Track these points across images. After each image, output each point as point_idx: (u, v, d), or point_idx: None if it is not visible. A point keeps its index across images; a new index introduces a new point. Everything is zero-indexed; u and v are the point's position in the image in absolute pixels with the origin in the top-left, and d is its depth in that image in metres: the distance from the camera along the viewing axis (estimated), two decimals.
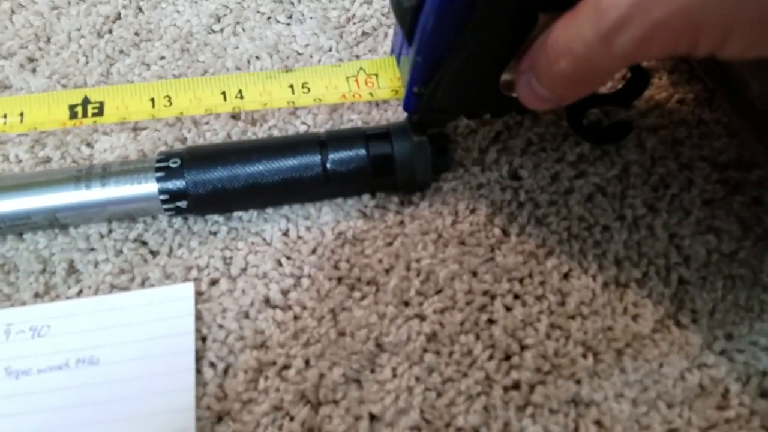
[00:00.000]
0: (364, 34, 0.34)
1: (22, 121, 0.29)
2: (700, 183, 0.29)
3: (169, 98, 0.29)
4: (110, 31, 0.34)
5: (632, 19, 0.18)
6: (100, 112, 0.29)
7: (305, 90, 0.30)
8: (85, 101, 0.29)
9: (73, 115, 0.29)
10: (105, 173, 0.28)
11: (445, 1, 0.22)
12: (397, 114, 0.32)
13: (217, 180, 0.28)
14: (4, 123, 0.29)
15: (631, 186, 0.30)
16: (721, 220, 0.29)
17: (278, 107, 0.30)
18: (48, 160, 0.31)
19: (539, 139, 0.31)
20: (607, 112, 0.31)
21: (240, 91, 0.30)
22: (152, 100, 0.29)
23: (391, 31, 0.34)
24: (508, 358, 0.26)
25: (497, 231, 0.29)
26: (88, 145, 0.31)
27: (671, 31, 0.18)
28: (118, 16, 0.35)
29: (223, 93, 0.30)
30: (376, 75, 0.30)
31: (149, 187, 0.28)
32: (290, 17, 0.34)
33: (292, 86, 0.30)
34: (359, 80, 0.30)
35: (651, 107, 0.31)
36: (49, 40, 0.34)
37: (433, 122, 0.29)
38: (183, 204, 0.28)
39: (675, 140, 0.30)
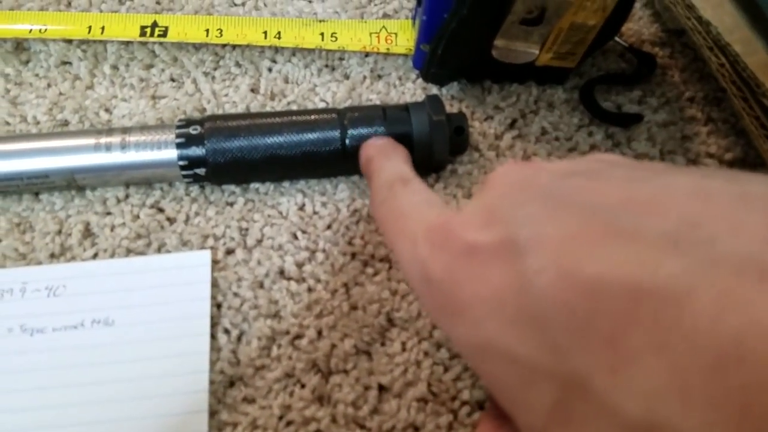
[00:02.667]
0: (385, 15, 0.33)
1: (102, 33, 0.31)
2: None
3: (221, 31, 0.31)
4: None
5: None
6: (164, 34, 0.31)
7: (333, 39, 0.32)
8: (154, 24, 0.31)
9: (143, 34, 0.31)
10: (125, 137, 0.27)
11: None
12: (415, 96, 0.31)
13: (237, 149, 0.27)
14: (89, 32, 0.31)
15: None
16: None
17: (309, 48, 0.32)
18: (66, 123, 0.30)
19: (553, 127, 0.31)
20: (620, 106, 0.31)
21: (279, 32, 0.32)
22: (207, 30, 0.31)
23: (411, 14, 0.33)
24: None
25: None
26: (107, 110, 0.30)
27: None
28: None
29: (265, 32, 0.31)
30: (396, 34, 0.32)
31: (169, 152, 0.27)
32: None
33: (322, 34, 0.32)
34: (380, 36, 0.32)
35: (662, 103, 0.31)
36: (69, 4, 0.33)
37: (437, 79, 0.31)
38: (201, 171, 0.27)
39: (684, 136, 0.31)
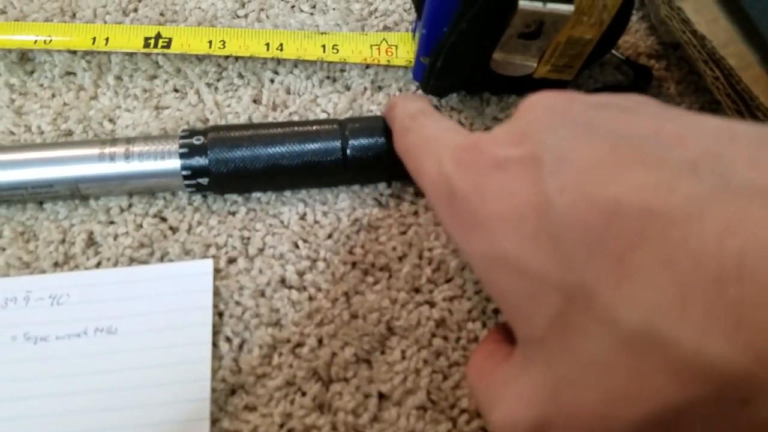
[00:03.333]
0: (385, 28, 0.34)
1: (107, 43, 0.31)
2: None
3: (224, 42, 0.31)
4: (135, 10, 0.34)
5: None
6: (168, 45, 0.31)
7: (334, 50, 0.32)
8: (158, 35, 0.32)
9: (147, 45, 0.31)
10: (129, 147, 0.27)
11: None
12: None
13: (239, 159, 0.27)
14: (93, 43, 0.31)
15: None
16: None
17: (310, 60, 0.32)
18: (70, 133, 0.30)
19: None
20: None
21: (281, 44, 0.32)
22: (210, 42, 0.31)
23: (411, 26, 0.34)
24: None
25: None
26: (111, 120, 0.31)
27: None
28: None
29: (267, 44, 0.32)
30: (396, 46, 0.32)
31: (172, 162, 0.27)
32: (314, 7, 0.34)
33: (324, 46, 0.32)
34: (381, 49, 0.32)
35: None
36: (74, 15, 0.34)
37: (437, 90, 0.32)
38: (204, 181, 0.28)
39: None
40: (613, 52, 0.31)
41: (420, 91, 0.32)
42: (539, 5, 0.25)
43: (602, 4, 0.26)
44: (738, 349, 0.11)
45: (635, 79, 0.32)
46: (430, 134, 0.21)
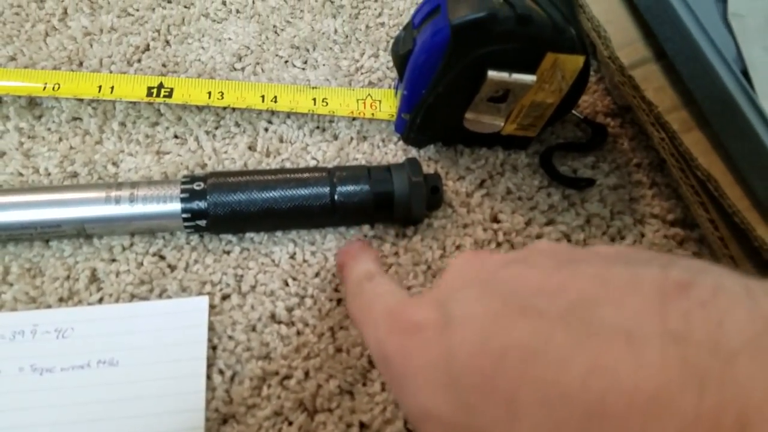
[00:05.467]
0: (370, 83, 0.36)
1: (112, 92, 0.32)
2: (650, 236, 0.33)
3: (222, 93, 0.33)
4: (139, 61, 0.36)
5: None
6: (169, 95, 0.33)
7: (324, 104, 0.34)
8: (160, 86, 0.33)
9: (149, 94, 0.33)
10: (134, 191, 0.29)
11: (421, 56, 0.28)
12: (396, 156, 0.34)
13: (236, 203, 0.29)
14: (99, 91, 0.33)
15: (593, 235, 0.33)
16: None
17: (302, 112, 0.34)
18: (75, 175, 0.32)
19: (517, 188, 0.34)
20: (575, 170, 0.34)
21: (275, 97, 0.34)
22: (209, 93, 0.33)
23: (393, 83, 0.36)
24: None
25: None
26: (114, 164, 0.32)
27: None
28: (147, 47, 0.36)
29: (262, 96, 0.34)
30: (380, 101, 0.35)
31: (173, 206, 0.29)
32: (305, 62, 0.36)
33: (314, 99, 0.34)
34: (366, 103, 0.34)
35: (613, 168, 0.34)
36: (81, 64, 0.35)
37: (416, 142, 0.34)
38: (202, 223, 0.29)
39: (632, 198, 0.34)
40: (573, 111, 0.34)
41: (401, 143, 0.34)
42: (506, 75, 0.28)
43: (561, 75, 0.28)
44: None
45: (592, 136, 0.35)
46: (370, 302, 0.23)
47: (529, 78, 0.28)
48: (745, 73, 0.30)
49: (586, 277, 0.16)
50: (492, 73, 0.28)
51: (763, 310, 0.13)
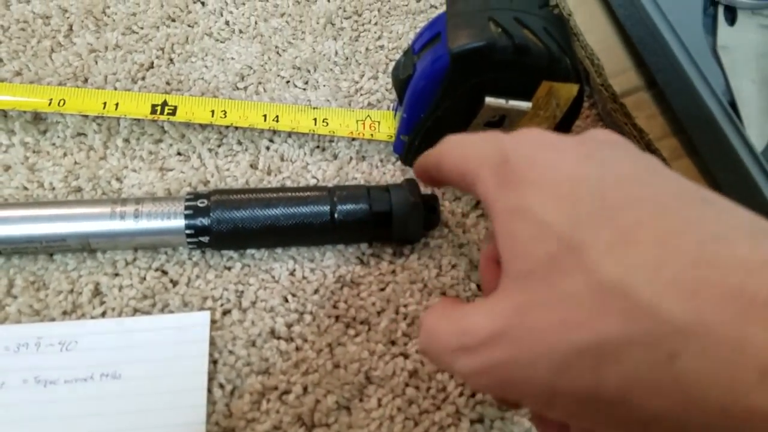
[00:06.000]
0: (369, 105, 0.37)
1: (116, 109, 0.33)
2: None
3: (225, 112, 0.34)
4: (143, 78, 0.37)
5: (474, 352, 0.18)
6: (173, 113, 0.34)
7: (324, 124, 0.35)
8: (164, 103, 0.34)
9: (153, 111, 0.34)
10: (138, 207, 0.30)
11: (421, 81, 0.30)
12: (394, 176, 0.35)
13: (238, 220, 0.30)
14: (104, 108, 0.33)
15: None
16: None
17: (303, 132, 0.35)
18: (79, 190, 0.32)
19: None
20: None
21: (277, 116, 0.35)
22: (212, 111, 0.34)
23: (392, 104, 0.37)
24: (474, 395, 0.30)
25: (473, 285, 0.32)
26: (118, 179, 0.33)
27: (499, 381, 0.18)
28: (152, 65, 0.37)
29: (264, 115, 0.35)
30: (379, 122, 0.36)
31: (177, 222, 0.30)
32: (306, 83, 0.38)
33: (315, 119, 0.35)
34: (365, 124, 0.36)
35: None
36: (86, 80, 0.36)
37: (413, 163, 0.34)
38: (205, 239, 0.30)
39: None
40: None
41: (399, 163, 0.36)
42: (502, 102, 0.29)
43: (555, 102, 0.30)
44: (686, 310, 0.14)
45: None
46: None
47: (524, 104, 0.29)
48: (733, 105, 0.32)
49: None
50: (489, 99, 0.29)
51: None
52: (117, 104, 0.34)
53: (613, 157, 0.19)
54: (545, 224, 0.17)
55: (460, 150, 0.23)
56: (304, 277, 0.32)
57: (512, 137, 0.21)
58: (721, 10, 0.36)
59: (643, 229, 0.16)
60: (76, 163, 0.33)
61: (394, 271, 0.32)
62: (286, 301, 0.31)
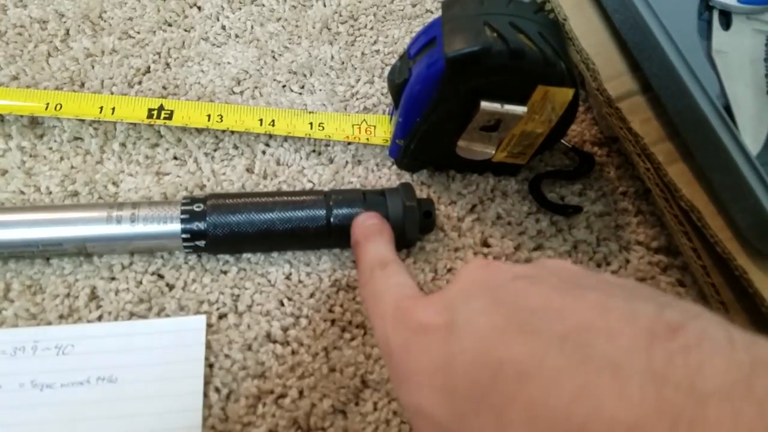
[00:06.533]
0: (365, 109, 0.38)
1: (113, 113, 0.34)
2: (635, 263, 0.34)
3: (221, 116, 0.35)
4: (140, 83, 0.37)
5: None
6: (170, 117, 0.34)
7: (320, 128, 0.36)
8: (161, 108, 0.35)
9: (150, 116, 0.34)
10: (135, 211, 0.30)
11: (417, 86, 0.30)
12: (390, 180, 0.36)
13: (234, 224, 0.31)
14: (100, 112, 0.34)
15: (579, 261, 0.34)
16: None
17: (299, 136, 0.36)
18: (76, 194, 0.33)
19: (506, 213, 0.35)
20: (563, 197, 0.36)
21: (273, 120, 0.35)
22: (209, 116, 0.35)
23: (388, 109, 0.38)
24: None
25: None
26: (115, 183, 0.33)
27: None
28: (148, 70, 0.38)
29: (260, 120, 0.35)
30: (374, 127, 0.36)
31: (173, 226, 0.30)
32: (302, 87, 0.38)
33: (311, 123, 0.36)
34: (361, 128, 0.36)
35: (599, 196, 0.36)
36: (83, 84, 0.37)
37: (410, 167, 0.36)
38: (201, 243, 0.31)
39: (617, 225, 0.35)
40: (562, 140, 0.36)
41: (395, 167, 0.36)
42: (498, 106, 0.30)
43: (551, 107, 0.30)
44: None
45: (580, 164, 0.37)
46: (380, 292, 0.24)
47: (520, 109, 0.30)
48: (728, 109, 0.32)
49: (588, 304, 0.17)
50: (485, 104, 0.30)
51: (741, 361, 0.14)
52: (113, 108, 0.34)
53: (472, 315, 0.19)
54: (438, 423, 0.18)
55: (368, 311, 0.25)
56: (299, 281, 0.32)
57: (392, 316, 0.22)
58: (715, 15, 0.36)
59: (511, 405, 0.16)
60: (72, 167, 0.34)
61: None
62: (282, 305, 0.31)
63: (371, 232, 0.30)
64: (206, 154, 0.35)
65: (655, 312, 0.16)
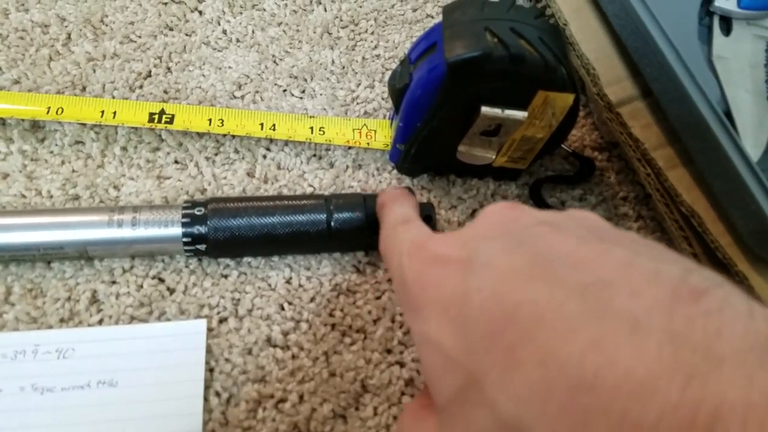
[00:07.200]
0: (366, 113, 0.38)
1: (114, 117, 0.34)
2: None
3: (222, 121, 0.35)
4: (141, 87, 0.37)
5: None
6: (171, 121, 0.35)
7: (321, 132, 0.36)
8: (162, 112, 0.35)
9: (151, 120, 0.34)
10: (136, 215, 0.30)
11: (417, 90, 0.30)
12: (391, 185, 0.36)
13: (235, 228, 0.31)
14: (102, 116, 0.34)
15: None
16: None
17: (300, 140, 0.36)
18: (77, 198, 0.33)
19: None
20: (563, 202, 0.36)
21: (274, 125, 0.35)
22: (209, 120, 0.35)
23: (388, 113, 0.38)
24: None
25: None
26: (116, 187, 0.34)
27: None
28: (149, 74, 0.38)
29: (261, 124, 0.35)
30: (375, 131, 0.37)
31: (174, 230, 0.30)
32: (303, 92, 0.39)
33: (312, 128, 0.36)
34: (362, 132, 0.36)
35: (600, 201, 0.36)
36: (84, 88, 0.37)
37: (410, 172, 0.36)
38: (202, 247, 0.31)
39: None
40: (562, 145, 0.36)
41: (395, 172, 0.36)
42: (498, 111, 0.30)
43: (551, 112, 0.31)
44: None
45: (580, 169, 0.37)
46: (400, 239, 0.25)
47: (520, 114, 0.30)
48: (728, 114, 0.33)
49: (613, 259, 0.17)
50: (485, 109, 0.30)
51: (759, 330, 0.14)
52: (115, 113, 0.35)
53: (492, 254, 0.19)
54: (447, 354, 0.18)
55: (386, 256, 0.26)
56: (300, 286, 0.32)
57: (408, 250, 0.22)
58: (716, 21, 0.37)
59: (524, 345, 0.16)
60: (73, 171, 0.34)
61: (390, 280, 0.33)
62: (283, 309, 0.31)
63: (398, 195, 0.30)
64: (207, 158, 0.35)
65: (680, 275, 0.16)
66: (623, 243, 0.18)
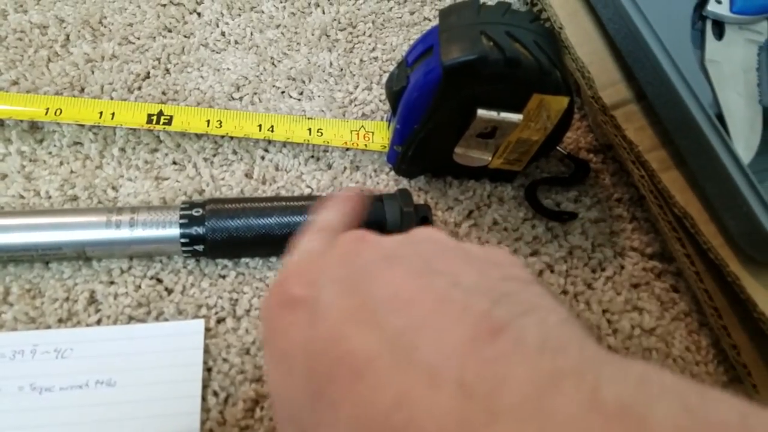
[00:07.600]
0: (363, 115, 0.38)
1: (112, 118, 0.34)
2: (629, 269, 0.35)
3: (220, 122, 0.35)
4: (140, 88, 0.38)
5: None
6: (169, 123, 0.35)
7: (319, 134, 0.36)
8: (160, 113, 0.35)
9: (149, 121, 0.35)
10: (134, 216, 0.31)
11: (414, 93, 0.31)
12: (388, 186, 0.36)
13: (233, 229, 0.31)
14: (100, 117, 0.34)
15: (574, 266, 0.35)
16: (644, 301, 0.34)
17: (298, 142, 0.36)
18: (75, 198, 0.33)
19: (503, 219, 0.36)
20: (559, 204, 0.37)
21: (272, 126, 0.36)
22: (208, 121, 0.35)
23: (386, 115, 0.39)
24: None
25: None
26: (114, 188, 0.34)
27: None
28: (148, 75, 0.38)
29: (259, 125, 0.36)
30: (373, 133, 0.37)
31: (172, 231, 0.31)
32: (301, 94, 0.39)
33: (309, 129, 0.36)
34: (359, 134, 0.37)
35: (594, 203, 0.37)
36: (83, 90, 0.37)
37: (407, 173, 0.37)
38: (200, 248, 0.31)
39: (612, 232, 0.36)
40: (558, 147, 0.36)
41: (392, 173, 0.37)
42: (494, 114, 0.30)
43: (546, 114, 0.31)
44: None
45: (575, 171, 0.37)
46: (287, 261, 0.24)
47: (516, 117, 0.30)
48: (721, 118, 0.33)
49: (430, 296, 0.17)
50: (481, 112, 0.30)
51: (541, 372, 0.14)
52: (113, 114, 0.35)
53: (331, 297, 0.18)
54: (290, 408, 0.18)
55: None
56: None
57: (271, 291, 0.21)
58: (709, 25, 0.37)
59: (344, 401, 0.16)
60: (72, 171, 0.34)
61: None
62: None
63: (334, 199, 0.26)
64: (205, 160, 0.36)
65: (485, 309, 0.16)
66: (447, 270, 0.18)
